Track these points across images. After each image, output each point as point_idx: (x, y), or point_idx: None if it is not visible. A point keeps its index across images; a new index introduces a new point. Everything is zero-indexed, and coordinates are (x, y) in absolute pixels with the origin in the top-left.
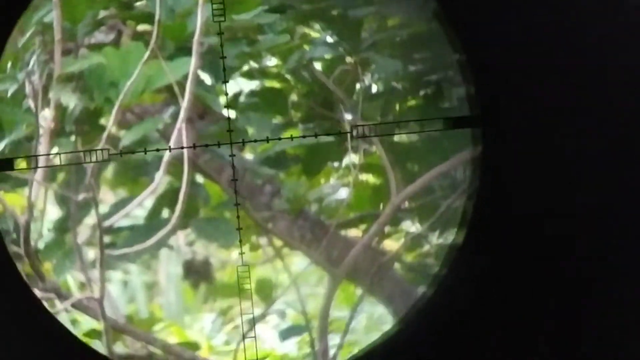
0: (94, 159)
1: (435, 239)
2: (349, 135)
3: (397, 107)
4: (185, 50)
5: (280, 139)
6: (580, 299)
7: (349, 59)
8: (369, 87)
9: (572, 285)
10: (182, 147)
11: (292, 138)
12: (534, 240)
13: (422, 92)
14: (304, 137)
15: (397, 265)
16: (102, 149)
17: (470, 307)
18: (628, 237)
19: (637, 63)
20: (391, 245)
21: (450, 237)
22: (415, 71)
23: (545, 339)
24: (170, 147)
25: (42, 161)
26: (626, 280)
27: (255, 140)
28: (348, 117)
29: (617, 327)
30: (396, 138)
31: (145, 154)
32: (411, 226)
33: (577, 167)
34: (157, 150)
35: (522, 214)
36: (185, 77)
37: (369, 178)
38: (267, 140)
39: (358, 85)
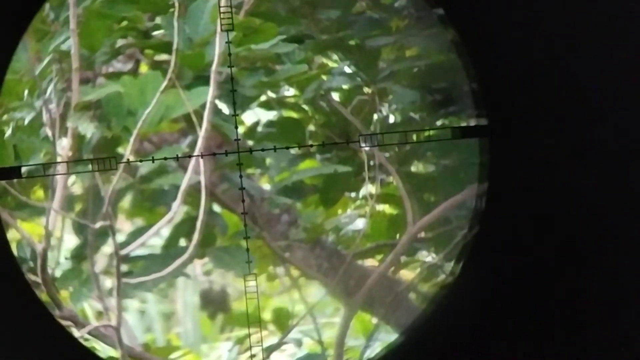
0: (101, 167)
1: (450, 269)
2: (366, 164)
3: (415, 137)
4: (203, 80)
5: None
6: (585, 323)
7: (366, 89)
8: (387, 117)
9: (578, 304)
10: (190, 156)
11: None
12: (541, 252)
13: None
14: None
15: (412, 295)
16: (109, 158)
17: (473, 322)
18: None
19: None
20: (407, 274)
21: None
22: (432, 101)
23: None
24: (177, 156)
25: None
26: (633, 299)
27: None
28: (365, 147)
29: (622, 345)
30: (413, 168)
31: (153, 162)
32: (427, 256)
33: (583, 178)
34: (165, 159)
35: (528, 225)
36: (203, 106)
37: (385, 208)
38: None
39: (376, 116)
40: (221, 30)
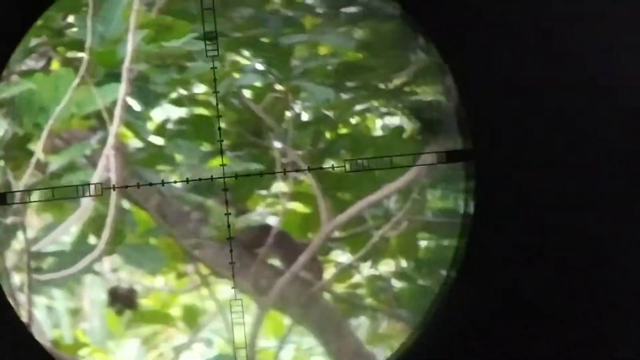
0: (87, 194)
1: (366, 270)
2: (278, 162)
3: (328, 135)
4: (115, 77)
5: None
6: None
7: (279, 87)
8: (299, 114)
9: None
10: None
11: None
12: (529, 273)
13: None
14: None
15: (327, 296)
16: (95, 184)
17: (464, 344)
18: (627, 274)
19: (627, 97)
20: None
21: (382, 267)
22: (346, 100)
23: None
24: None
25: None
26: (624, 314)
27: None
28: (277, 144)
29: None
30: (326, 166)
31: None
32: (341, 256)
33: (570, 198)
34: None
35: (516, 245)
36: (114, 103)
37: (298, 206)
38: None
39: (288, 113)
40: (133, 27)
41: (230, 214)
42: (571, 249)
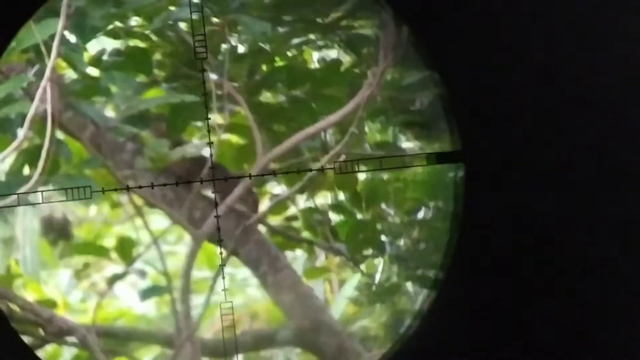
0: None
1: (302, 203)
2: (214, 94)
3: (264, 67)
4: (54, 12)
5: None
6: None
7: (215, 20)
8: (235, 47)
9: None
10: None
11: None
12: (518, 278)
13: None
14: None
15: (262, 228)
16: (84, 187)
17: (456, 339)
18: (618, 278)
19: (618, 97)
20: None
21: (318, 200)
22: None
23: None
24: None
25: None
26: (616, 320)
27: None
28: (213, 77)
29: None
30: (262, 98)
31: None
32: (277, 188)
33: (559, 200)
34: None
35: (504, 250)
36: (52, 37)
37: (233, 138)
38: (249, 177)
39: (224, 46)
40: None
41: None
42: (561, 251)
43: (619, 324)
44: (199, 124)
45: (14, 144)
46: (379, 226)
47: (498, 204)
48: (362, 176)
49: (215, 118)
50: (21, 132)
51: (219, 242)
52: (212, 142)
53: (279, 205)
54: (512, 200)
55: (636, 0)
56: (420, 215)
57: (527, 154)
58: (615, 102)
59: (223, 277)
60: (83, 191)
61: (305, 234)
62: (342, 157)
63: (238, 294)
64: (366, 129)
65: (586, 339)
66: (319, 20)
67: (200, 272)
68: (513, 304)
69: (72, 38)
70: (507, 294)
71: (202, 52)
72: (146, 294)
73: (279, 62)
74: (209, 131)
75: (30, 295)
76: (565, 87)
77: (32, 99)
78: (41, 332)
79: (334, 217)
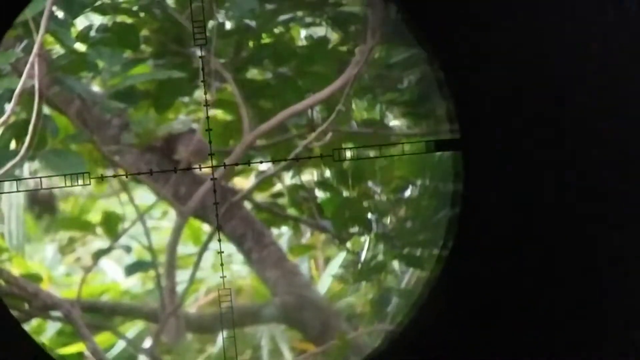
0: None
1: (288, 180)
2: (201, 71)
3: (251, 44)
4: None
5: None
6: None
7: None
8: (222, 24)
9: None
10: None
11: None
12: (515, 269)
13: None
14: None
15: (248, 204)
16: (84, 173)
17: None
18: (615, 265)
19: (617, 89)
20: (242, 183)
21: (304, 177)
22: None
23: None
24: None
25: None
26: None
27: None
28: (199, 53)
29: None
30: (249, 75)
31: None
32: (263, 164)
33: (556, 193)
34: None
35: (504, 240)
36: (41, 13)
37: (219, 114)
38: (249, 163)
39: (211, 22)
40: None
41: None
42: (561, 241)
43: (621, 303)
44: (186, 99)
45: (2, 119)
46: (365, 204)
47: (498, 195)
48: (347, 154)
49: (202, 94)
50: (9, 107)
51: (218, 228)
52: (211, 129)
53: (265, 181)
54: (512, 189)
55: None
56: (407, 193)
57: (527, 140)
58: (621, 92)
59: (222, 264)
60: (82, 177)
61: (291, 211)
62: (329, 135)
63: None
64: (353, 107)
65: (587, 320)
66: None
67: (186, 248)
68: (512, 289)
69: (60, 14)
70: (507, 280)
71: (200, 38)
72: (131, 269)
73: (266, 39)
74: (207, 118)
75: (15, 270)
76: (569, 76)
77: (20, 75)
78: (26, 306)
79: (320, 195)
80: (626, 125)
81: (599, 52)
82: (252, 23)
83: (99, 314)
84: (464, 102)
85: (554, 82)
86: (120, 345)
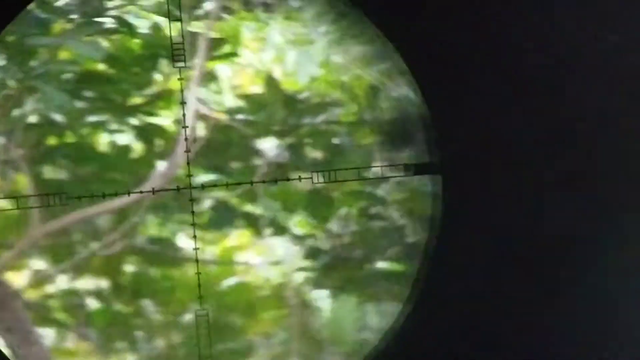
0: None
1: (64, 283)
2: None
3: (52, 141)
4: None
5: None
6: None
7: (12, 84)
8: (25, 115)
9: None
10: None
11: None
12: (497, 286)
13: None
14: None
15: (18, 303)
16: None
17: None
18: (593, 287)
19: (599, 107)
20: (16, 279)
21: (80, 284)
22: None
23: None
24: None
25: None
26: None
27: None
28: (1, 140)
29: None
30: (45, 171)
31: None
32: (40, 263)
33: (536, 213)
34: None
35: (480, 264)
36: None
37: (6, 205)
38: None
39: (17, 112)
40: None
41: None
42: (540, 263)
43: (600, 329)
44: None
45: None
46: (137, 321)
47: (475, 217)
48: (130, 268)
49: None
50: None
51: None
52: None
53: (39, 280)
54: (489, 213)
55: None
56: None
57: (505, 166)
58: (603, 109)
59: None
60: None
61: (59, 314)
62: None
63: None
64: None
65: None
66: (119, 101)
67: None
68: (491, 315)
69: None
70: (485, 306)
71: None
72: None
73: (69, 138)
74: None
75: None
76: (548, 96)
77: None
78: None
79: (93, 304)
80: (602, 149)
81: (578, 70)
82: (60, 118)
83: None
84: (444, 127)
85: (532, 104)
86: None
